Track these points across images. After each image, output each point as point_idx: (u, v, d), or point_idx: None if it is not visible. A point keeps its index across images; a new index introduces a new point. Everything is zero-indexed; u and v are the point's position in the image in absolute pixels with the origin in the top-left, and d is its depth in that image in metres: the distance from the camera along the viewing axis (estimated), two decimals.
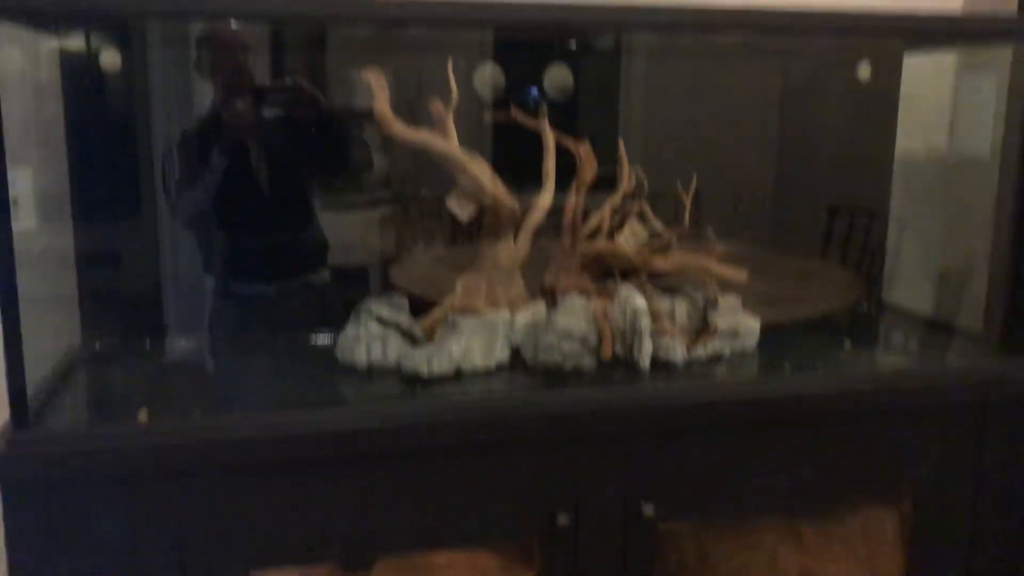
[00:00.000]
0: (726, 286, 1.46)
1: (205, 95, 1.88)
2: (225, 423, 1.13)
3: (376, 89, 1.24)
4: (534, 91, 1.83)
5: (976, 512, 1.40)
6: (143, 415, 1.13)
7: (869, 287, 1.91)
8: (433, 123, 1.33)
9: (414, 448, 1.20)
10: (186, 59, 1.86)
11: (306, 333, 1.52)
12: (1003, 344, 1.45)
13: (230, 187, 1.89)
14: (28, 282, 1.41)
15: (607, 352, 1.35)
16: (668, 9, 1.17)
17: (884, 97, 1.75)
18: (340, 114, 2.00)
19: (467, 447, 1.22)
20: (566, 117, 1.66)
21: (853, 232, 2.81)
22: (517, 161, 1.47)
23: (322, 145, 1.98)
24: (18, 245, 1.13)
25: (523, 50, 1.79)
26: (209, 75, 1.83)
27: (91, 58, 1.39)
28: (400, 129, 1.26)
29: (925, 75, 1.69)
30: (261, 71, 1.89)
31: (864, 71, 1.68)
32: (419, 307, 1.43)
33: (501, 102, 1.55)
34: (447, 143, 1.30)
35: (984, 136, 1.56)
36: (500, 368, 1.36)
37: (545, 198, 1.37)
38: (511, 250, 1.38)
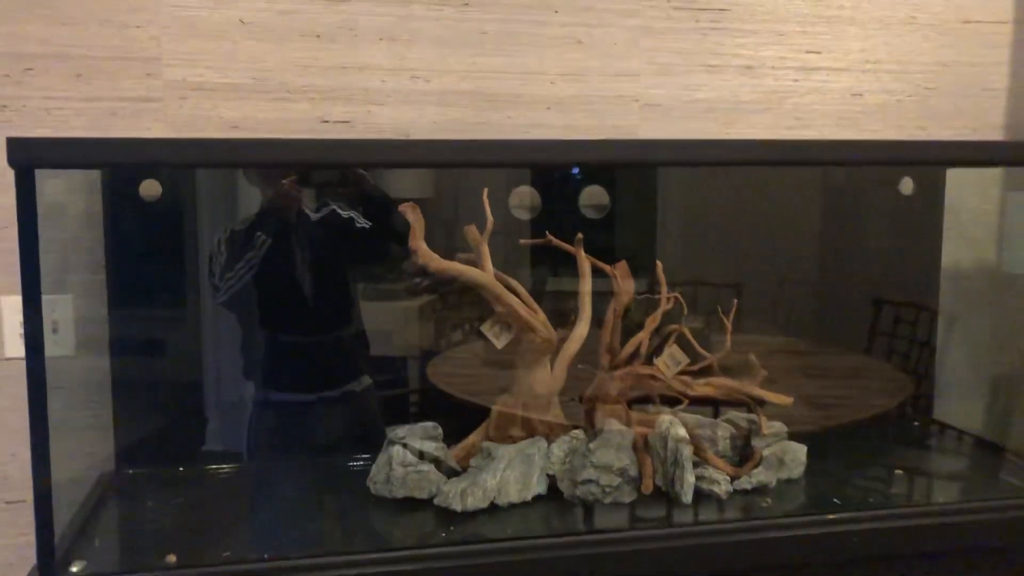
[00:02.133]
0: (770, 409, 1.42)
1: (251, 201, 1.89)
2: (256, 570, 1.10)
3: (413, 224, 1.23)
4: (576, 171, 1.81)
5: None
6: (171, 559, 1.11)
7: (916, 391, 1.85)
8: (469, 249, 1.32)
9: None
10: (231, 177, 1.88)
11: (344, 451, 1.50)
12: None
13: (272, 282, 1.88)
14: (64, 408, 1.41)
15: (648, 486, 1.30)
16: (703, 144, 1.16)
17: (928, 209, 1.72)
18: (382, 197, 2.00)
19: None
20: (602, 232, 1.65)
21: (900, 337, 2.75)
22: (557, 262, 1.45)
23: (364, 234, 1.97)
24: (56, 370, 1.13)
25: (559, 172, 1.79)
26: (258, 183, 1.85)
27: (133, 186, 1.41)
28: (436, 263, 1.25)
29: (969, 187, 1.66)
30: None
31: (907, 186, 1.65)
32: (454, 405, 1.39)
33: (538, 222, 1.55)
34: (481, 273, 1.29)
35: None
36: (536, 499, 1.32)
37: (582, 327, 1.34)
38: (548, 379, 1.35)
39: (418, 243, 1.23)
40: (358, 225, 1.80)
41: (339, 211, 1.72)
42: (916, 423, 1.70)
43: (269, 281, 1.88)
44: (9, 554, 1.43)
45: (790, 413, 1.45)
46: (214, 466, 1.48)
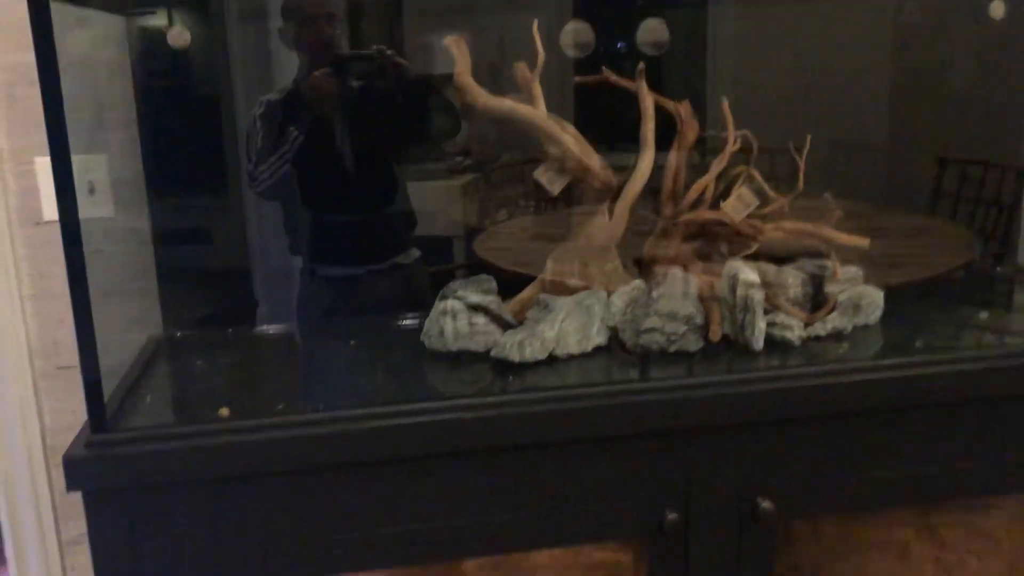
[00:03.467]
0: (846, 254, 1.33)
1: (289, 65, 1.81)
2: (310, 420, 1.06)
3: (458, 57, 1.14)
4: (621, 45, 1.70)
5: None
6: (224, 412, 1.07)
7: (1000, 246, 1.74)
8: (519, 89, 1.22)
9: (507, 442, 1.12)
10: (265, 30, 1.80)
11: (394, 316, 1.44)
12: None
13: (314, 162, 1.83)
14: (107, 272, 1.37)
15: (716, 333, 1.23)
16: None
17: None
18: (423, 79, 1.92)
19: (563, 440, 1.13)
20: (654, 74, 1.54)
21: (978, 186, 2.59)
22: (603, 123, 1.36)
23: (407, 112, 1.90)
24: (96, 233, 1.08)
25: (611, 4, 1.66)
26: (294, 44, 1.77)
27: (161, 35, 1.33)
28: (484, 99, 1.16)
29: None
30: (344, 39, 1.81)
31: (996, 9, 1.50)
32: (505, 280, 1.34)
33: (590, 61, 1.44)
34: (534, 111, 1.20)
35: None
36: (597, 351, 1.26)
37: (644, 167, 1.25)
38: (607, 226, 1.27)
39: (464, 78, 1.13)
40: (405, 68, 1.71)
41: (387, 53, 1.63)
42: (999, 269, 1.59)
43: (310, 161, 1.82)
44: (66, 418, 1.43)
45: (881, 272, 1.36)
46: (265, 327, 1.44)
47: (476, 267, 2.01)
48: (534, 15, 1.22)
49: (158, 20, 1.60)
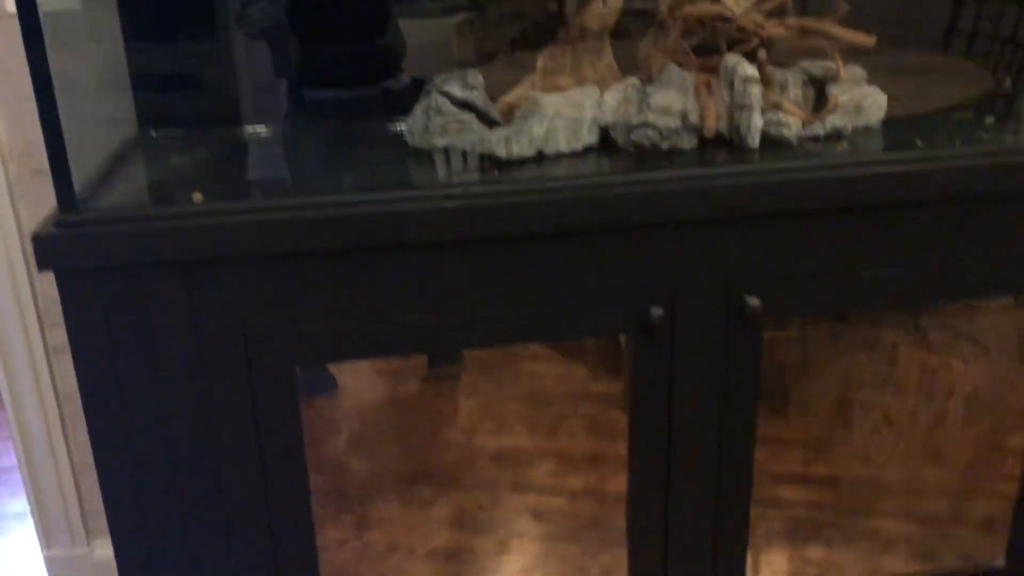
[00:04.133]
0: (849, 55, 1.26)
1: None
2: (289, 205, 1.03)
3: None
4: None
5: None
6: (198, 197, 1.04)
7: (992, 75, 1.66)
8: None
9: (493, 233, 1.09)
10: None
11: (380, 125, 1.39)
12: None
13: None
14: (75, 68, 1.31)
15: (710, 128, 1.18)
16: None
17: None
18: None
19: (549, 234, 1.10)
20: None
21: (981, 35, 2.48)
22: None
23: None
24: (58, 24, 1.02)
25: None
26: None
27: None
28: None
29: None
30: None
31: None
32: None
33: None
34: None
35: None
36: (588, 151, 1.22)
37: None
38: (599, 9, 1.20)
39: None
40: None
41: None
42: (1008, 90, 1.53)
43: None
44: None
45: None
46: (245, 127, 1.39)
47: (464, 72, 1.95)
48: None
49: None
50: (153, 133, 1.32)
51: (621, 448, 1.21)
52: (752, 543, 1.27)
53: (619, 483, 1.23)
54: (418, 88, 2.03)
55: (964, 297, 1.22)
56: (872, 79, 1.27)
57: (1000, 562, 1.37)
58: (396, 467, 1.47)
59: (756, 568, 1.28)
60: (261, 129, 1.39)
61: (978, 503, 1.35)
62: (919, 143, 1.18)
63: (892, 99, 1.26)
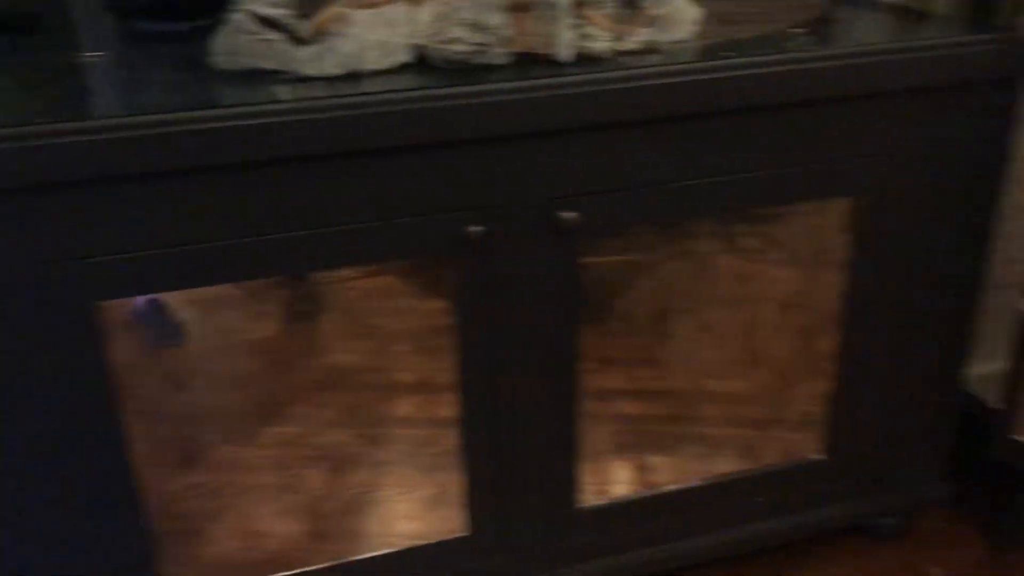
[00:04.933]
0: None
1: None
2: (71, 129, 0.97)
3: None
4: None
5: (923, 207, 1.31)
6: None
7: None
8: None
9: (299, 153, 1.06)
10: None
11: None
12: (968, 22, 1.29)
13: None
14: None
15: (521, 43, 1.18)
16: None
17: None
18: None
19: (362, 151, 1.08)
20: None
21: None
22: None
23: None
24: None
25: None
26: None
27: None
28: None
29: None
30: None
31: None
32: None
33: None
34: None
35: None
36: (402, 68, 1.19)
37: None
38: None
39: None
40: None
41: None
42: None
43: None
44: None
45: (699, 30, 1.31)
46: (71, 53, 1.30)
47: None
48: None
49: None
50: None
51: (451, 369, 1.22)
52: (585, 455, 1.30)
53: (452, 404, 1.24)
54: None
55: (773, 203, 1.26)
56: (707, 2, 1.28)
57: (820, 455, 1.46)
58: (231, 405, 1.44)
59: (588, 477, 1.32)
60: (89, 56, 1.30)
61: (796, 402, 1.42)
62: (725, 53, 1.20)
63: (727, 20, 1.28)
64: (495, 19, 1.17)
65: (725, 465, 1.43)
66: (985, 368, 1.65)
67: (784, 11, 1.50)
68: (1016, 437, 1.46)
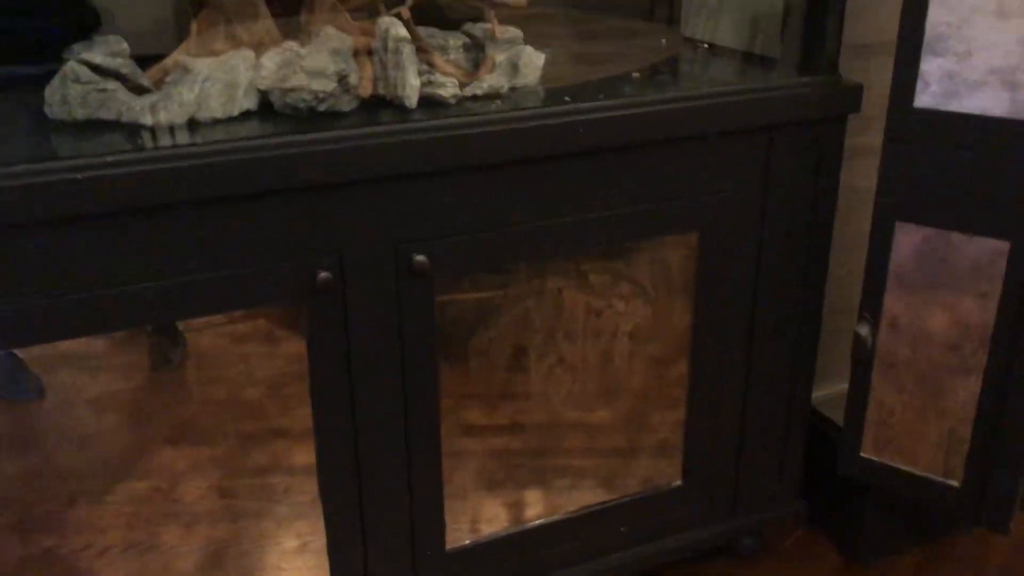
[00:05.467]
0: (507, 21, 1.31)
1: None
2: None
3: None
4: None
5: (762, 240, 1.38)
6: None
7: (676, 36, 1.80)
8: None
9: (139, 204, 1.04)
10: None
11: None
12: (799, 68, 1.38)
13: None
14: None
15: (366, 88, 1.19)
16: None
17: None
18: None
19: (203, 200, 1.07)
20: None
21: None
22: None
23: None
24: None
25: None
26: None
27: None
28: None
29: None
30: None
31: None
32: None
33: None
34: None
35: None
36: (245, 116, 1.18)
37: None
38: None
39: None
40: None
41: None
42: (663, 40, 1.65)
43: None
44: None
45: (562, 68, 1.35)
46: None
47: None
48: None
49: None
50: None
51: (308, 415, 1.20)
52: (448, 493, 1.31)
53: (310, 452, 1.23)
54: None
55: (626, 238, 1.30)
56: (568, 44, 1.33)
57: (678, 481, 1.50)
58: (85, 463, 1.38)
59: (454, 516, 1.32)
60: None
61: (653, 431, 1.46)
62: (567, 98, 1.24)
63: (582, 61, 1.31)
64: (339, 65, 1.18)
65: (590, 496, 1.45)
66: (833, 389, 1.73)
67: (635, 54, 1.56)
68: (864, 455, 1.53)
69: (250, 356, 1.33)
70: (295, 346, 1.23)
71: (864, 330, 1.41)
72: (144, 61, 1.19)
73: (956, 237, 1.31)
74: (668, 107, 1.25)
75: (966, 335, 1.36)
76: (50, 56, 1.81)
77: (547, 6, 2.18)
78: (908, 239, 1.36)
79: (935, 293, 1.37)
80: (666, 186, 1.30)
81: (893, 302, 1.40)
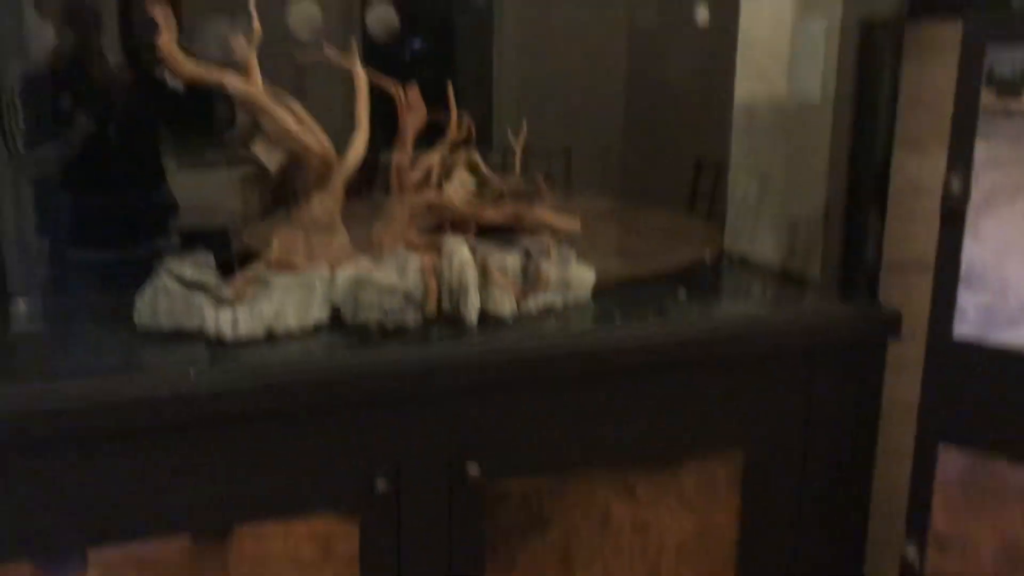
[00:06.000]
0: (564, 236, 1.41)
1: (45, 39, 1.70)
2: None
3: (162, 25, 1.12)
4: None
5: (806, 458, 1.40)
6: None
7: (715, 236, 1.89)
8: (237, 62, 1.22)
9: (215, 416, 1.11)
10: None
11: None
12: (839, 291, 1.44)
13: (83, 143, 1.73)
14: None
15: (432, 307, 1.27)
16: None
17: (723, 40, 1.72)
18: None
19: (275, 413, 1.14)
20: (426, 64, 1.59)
21: (701, 181, 2.80)
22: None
23: (180, 100, 1.83)
24: None
25: None
26: (59, 21, 1.66)
27: None
28: (189, 68, 1.14)
29: (764, 18, 1.66)
30: (109, 17, 1.72)
31: (702, 13, 1.64)
32: None
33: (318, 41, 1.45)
34: (247, 84, 1.19)
35: (818, 80, 1.54)
36: (318, 328, 1.27)
37: (359, 143, 1.27)
38: (325, 200, 1.28)
39: (168, 46, 1.11)
40: (170, 85, 1.65)
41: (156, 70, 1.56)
42: (714, 260, 1.74)
43: (75, 138, 1.73)
44: None
45: (605, 264, 1.44)
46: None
47: (247, 254, 1.97)
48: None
49: None
50: None
51: None
52: None
53: None
54: (188, 246, 2.03)
55: (674, 454, 1.34)
56: (609, 240, 1.41)
57: None
58: None
59: None
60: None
61: None
62: (617, 318, 1.32)
63: (622, 260, 1.39)
64: (407, 284, 1.27)
65: None
66: None
67: (679, 259, 1.65)
68: None
69: (301, 558, 1.36)
70: (345, 548, 1.26)
71: (912, 553, 1.41)
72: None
73: (1001, 463, 1.33)
74: (713, 330, 1.31)
75: (1018, 556, 1.36)
76: (129, 242, 1.94)
77: (590, 196, 2.31)
78: (952, 460, 1.38)
79: (983, 514, 1.37)
80: (710, 405, 1.34)
81: (940, 522, 1.40)
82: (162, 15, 1.11)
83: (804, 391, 1.38)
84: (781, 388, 1.37)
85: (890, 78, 1.41)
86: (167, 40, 1.11)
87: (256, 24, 1.20)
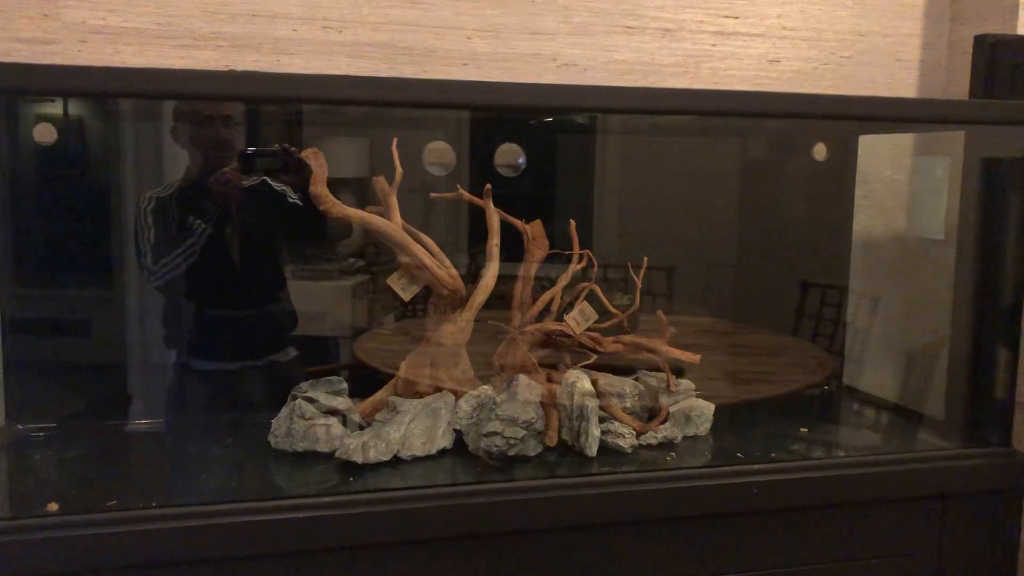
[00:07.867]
0: (682, 367, 1.42)
1: (179, 162, 1.84)
2: (133, 518, 1.06)
3: (315, 168, 1.21)
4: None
5: None
6: (52, 507, 1.07)
7: (832, 364, 1.87)
8: (379, 200, 1.30)
9: (331, 543, 1.14)
10: (156, 127, 1.83)
11: (261, 414, 1.46)
12: (967, 432, 1.40)
13: (204, 256, 1.84)
14: None
15: (552, 439, 1.29)
16: (626, 91, 1.16)
17: (842, 176, 1.74)
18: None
19: (392, 542, 1.16)
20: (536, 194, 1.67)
21: (823, 307, 2.77)
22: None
23: (300, 212, 1.94)
24: None
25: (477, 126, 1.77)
26: (187, 144, 1.80)
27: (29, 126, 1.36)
28: (338, 208, 1.22)
29: (882, 155, 1.68)
30: (239, 139, 1.86)
31: (820, 151, 1.67)
32: (380, 380, 1.39)
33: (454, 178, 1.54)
34: (387, 221, 1.27)
35: (941, 217, 1.54)
36: (443, 453, 1.30)
37: (488, 279, 1.33)
38: (454, 330, 1.33)
39: (319, 188, 1.20)
40: (289, 200, 1.77)
41: (271, 183, 1.68)
42: (827, 388, 1.72)
43: (200, 254, 1.84)
44: None
45: (715, 387, 1.45)
46: (110, 422, 1.43)
47: (356, 367, 2.03)
48: (433, 133, 1.30)
49: (53, 108, 1.63)
50: (20, 428, 1.35)
51: None
52: None
53: None
54: (305, 361, 2.11)
55: None
56: (728, 360, 1.42)
57: None
58: None
59: None
60: (132, 422, 1.44)
61: None
62: (739, 455, 1.31)
63: (740, 380, 1.39)
64: (529, 415, 1.30)
65: None
66: None
67: (791, 371, 1.63)
68: None
69: None
70: None
71: None
72: None
73: None
74: (839, 472, 1.29)
75: None
76: (248, 352, 2.01)
77: (700, 315, 2.31)
78: None
79: None
80: (836, 548, 1.31)
81: None
82: (314, 160, 1.21)
83: (935, 535, 1.33)
84: (911, 531, 1.33)
85: (1018, 214, 1.40)
86: (319, 183, 1.20)
87: (398, 166, 1.28)
